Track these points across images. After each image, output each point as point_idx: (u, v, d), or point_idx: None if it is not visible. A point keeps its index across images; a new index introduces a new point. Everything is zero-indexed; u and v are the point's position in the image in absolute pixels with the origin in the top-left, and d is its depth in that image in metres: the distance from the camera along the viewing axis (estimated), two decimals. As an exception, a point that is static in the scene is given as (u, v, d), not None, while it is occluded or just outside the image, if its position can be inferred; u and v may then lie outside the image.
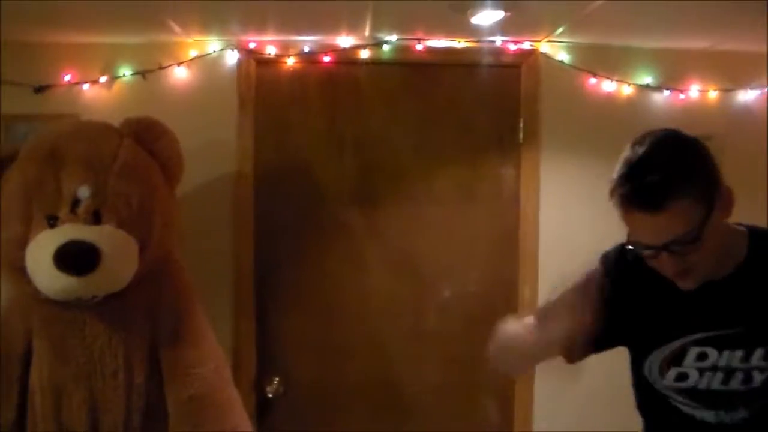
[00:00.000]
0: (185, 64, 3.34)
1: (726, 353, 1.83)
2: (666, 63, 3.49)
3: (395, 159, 3.47)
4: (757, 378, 1.81)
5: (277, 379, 3.43)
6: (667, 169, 1.67)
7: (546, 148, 3.47)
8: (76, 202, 2.41)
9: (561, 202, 3.45)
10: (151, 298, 2.62)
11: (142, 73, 3.32)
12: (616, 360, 2.16)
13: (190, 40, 3.34)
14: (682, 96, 3.48)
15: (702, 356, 1.86)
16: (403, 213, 3.49)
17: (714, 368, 1.85)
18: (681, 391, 1.91)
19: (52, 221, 2.40)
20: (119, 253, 2.40)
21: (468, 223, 3.51)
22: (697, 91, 3.49)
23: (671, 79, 3.49)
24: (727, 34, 3.19)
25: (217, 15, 3.04)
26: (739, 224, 1.93)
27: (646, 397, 2.02)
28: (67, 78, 3.31)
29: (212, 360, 2.67)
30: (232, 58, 3.37)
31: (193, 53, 3.35)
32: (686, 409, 1.92)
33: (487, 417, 3.56)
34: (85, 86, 3.32)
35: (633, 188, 1.69)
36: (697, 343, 1.86)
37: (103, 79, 3.32)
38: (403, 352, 3.53)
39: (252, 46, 3.36)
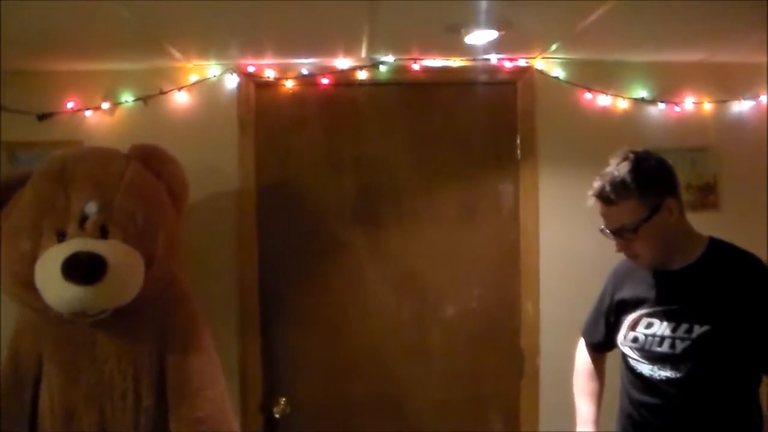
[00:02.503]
0: (186, 88, 3.38)
1: (664, 324, 2.41)
2: (660, 76, 3.52)
3: (394, 178, 3.50)
4: (678, 346, 2.35)
5: (283, 399, 3.44)
6: (623, 178, 2.34)
7: (544, 163, 3.50)
8: (84, 218, 2.46)
9: (560, 217, 3.47)
10: (159, 322, 2.66)
11: (143, 99, 3.36)
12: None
13: (190, 65, 3.38)
14: (677, 108, 3.51)
15: (649, 325, 2.46)
16: (403, 231, 3.51)
17: (654, 335, 2.43)
18: (632, 349, 2.50)
19: (61, 237, 2.44)
20: (125, 266, 2.43)
21: (468, 240, 3.53)
22: (692, 104, 3.52)
23: (666, 92, 3.53)
24: (721, 45, 3.23)
25: (216, 40, 3.08)
26: (711, 236, 2.48)
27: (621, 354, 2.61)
28: (70, 105, 3.35)
29: (218, 384, 2.70)
30: (231, 81, 3.40)
31: (193, 78, 3.39)
32: (632, 362, 2.51)
33: (492, 432, 3.57)
34: (88, 113, 3.36)
35: (598, 186, 2.39)
36: (648, 315, 2.47)
37: (105, 105, 3.36)
38: (407, 368, 3.54)
39: (251, 69, 3.40)
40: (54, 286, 2.35)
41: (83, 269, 2.32)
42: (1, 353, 2.90)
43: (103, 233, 2.46)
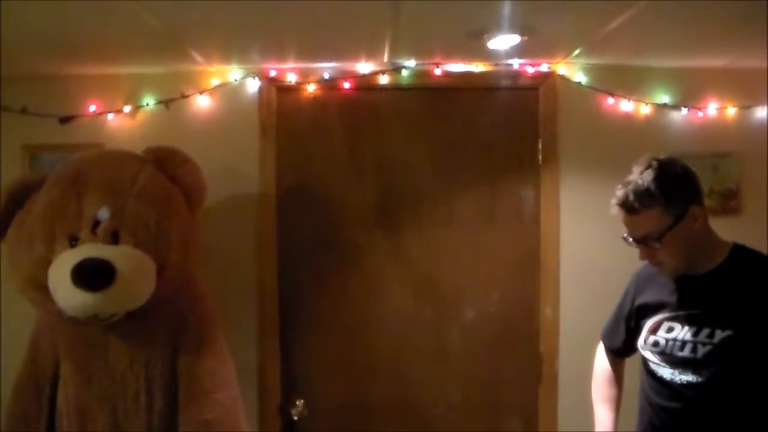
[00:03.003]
0: (207, 92, 3.39)
1: (686, 328, 2.39)
2: (683, 81, 3.50)
3: (415, 182, 3.50)
4: (700, 350, 2.34)
5: (301, 401, 3.44)
6: (647, 187, 2.31)
7: (565, 168, 3.49)
8: (96, 223, 2.48)
9: (581, 223, 3.46)
10: (173, 323, 2.68)
11: (165, 102, 3.38)
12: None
13: (212, 69, 3.39)
14: (700, 114, 3.49)
15: (670, 329, 2.44)
16: (424, 235, 3.51)
17: (674, 339, 2.41)
18: (653, 353, 2.48)
19: (74, 241, 2.46)
20: (135, 271, 2.44)
21: (489, 245, 3.52)
22: (715, 109, 3.50)
23: (689, 98, 3.50)
24: (743, 51, 3.20)
25: (238, 44, 3.09)
26: (735, 242, 2.46)
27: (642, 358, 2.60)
28: (91, 108, 3.37)
29: (230, 387, 2.71)
30: (253, 85, 3.41)
31: (215, 82, 3.40)
32: (653, 366, 2.49)
33: (511, 437, 3.57)
34: (110, 116, 3.38)
35: (622, 195, 2.36)
36: (669, 319, 2.46)
37: (127, 108, 3.38)
38: (426, 373, 3.54)
39: (273, 73, 3.41)
40: (64, 292, 2.36)
41: (91, 275, 2.33)
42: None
43: (114, 239, 2.48)
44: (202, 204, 2.81)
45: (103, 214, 2.48)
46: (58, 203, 2.50)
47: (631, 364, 2.74)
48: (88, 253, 2.38)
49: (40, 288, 2.45)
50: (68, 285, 2.33)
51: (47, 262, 2.44)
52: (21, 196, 2.60)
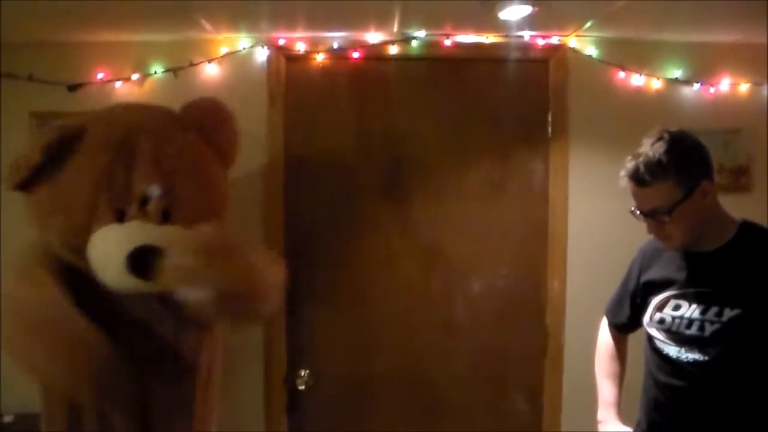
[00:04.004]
0: (216, 61, 3.38)
1: (693, 306, 2.37)
2: (695, 56, 3.48)
3: (424, 154, 3.49)
4: (708, 329, 2.32)
5: (307, 371, 3.46)
6: (658, 159, 2.27)
7: (574, 142, 3.47)
8: (145, 199, 2.43)
9: (589, 196, 3.46)
10: None
11: (173, 71, 3.36)
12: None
13: (221, 37, 3.38)
14: (711, 90, 3.47)
15: (677, 307, 2.42)
16: (432, 207, 3.51)
17: (681, 317, 2.39)
18: (659, 330, 2.47)
19: (120, 215, 2.41)
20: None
21: (497, 217, 3.52)
22: (727, 85, 3.47)
23: (701, 73, 3.47)
24: (757, 26, 3.16)
25: (247, 12, 3.07)
26: (743, 219, 2.43)
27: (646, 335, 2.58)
28: (99, 76, 3.36)
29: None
30: (262, 54, 3.40)
31: (223, 50, 3.39)
32: (659, 344, 2.48)
33: (516, 409, 3.58)
34: (118, 84, 3.37)
35: (632, 167, 2.32)
36: (676, 296, 2.43)
37: (135, 76, 3.37)
38: (432, 344, 3.55)
39: (282, 42, 3.39)
40: (115, 272, 2.30)
41: (149, 268, 2.28)
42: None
43: (164, 217, 2.45)
44: (234, 161, 2.86)
45: (154, 191, 2.44)
46: (105, 172, 2.44)
47: (634, 340, 2.73)
48: (144, 239, 2.31)
49: (74, 250, 2.41)
50: (121, 268, 2.27)
51: (87, 230, 2.39)
52: (58, 149, 2.45)
